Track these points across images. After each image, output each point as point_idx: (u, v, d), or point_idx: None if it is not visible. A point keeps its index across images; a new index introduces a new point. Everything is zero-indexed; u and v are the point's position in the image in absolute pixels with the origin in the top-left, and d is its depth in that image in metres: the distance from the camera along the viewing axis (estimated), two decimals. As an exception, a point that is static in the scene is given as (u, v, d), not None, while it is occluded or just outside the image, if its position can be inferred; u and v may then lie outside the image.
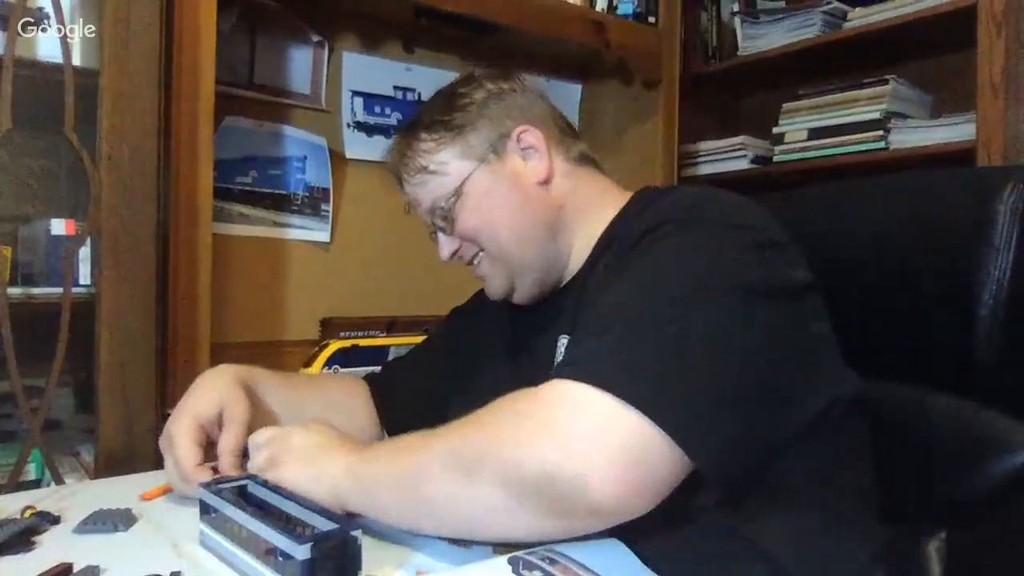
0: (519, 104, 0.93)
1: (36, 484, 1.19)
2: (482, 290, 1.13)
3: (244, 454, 0.85)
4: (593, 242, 0.90)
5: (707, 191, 0.79)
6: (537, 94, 0.97)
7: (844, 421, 0.73)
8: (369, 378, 1.12)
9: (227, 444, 0.86)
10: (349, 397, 1.07)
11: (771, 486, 0.69)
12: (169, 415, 1.26)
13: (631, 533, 0.66)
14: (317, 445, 0.76)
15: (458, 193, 0.90)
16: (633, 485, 0.59)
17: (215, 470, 0.84)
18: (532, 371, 0.67)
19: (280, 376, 1.02)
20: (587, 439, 0.59)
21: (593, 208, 0.92)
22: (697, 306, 0.65)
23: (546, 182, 0.91)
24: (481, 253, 0.93)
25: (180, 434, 0.85)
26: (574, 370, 0.62)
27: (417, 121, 0.94)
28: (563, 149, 0.94)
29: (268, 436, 0.80)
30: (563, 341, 0.86)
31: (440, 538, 0.70)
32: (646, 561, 0.65)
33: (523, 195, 0.90)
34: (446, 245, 0.95)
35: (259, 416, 0.93)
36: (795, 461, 0.69)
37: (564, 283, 0.94)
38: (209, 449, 0.87)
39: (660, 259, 0.71)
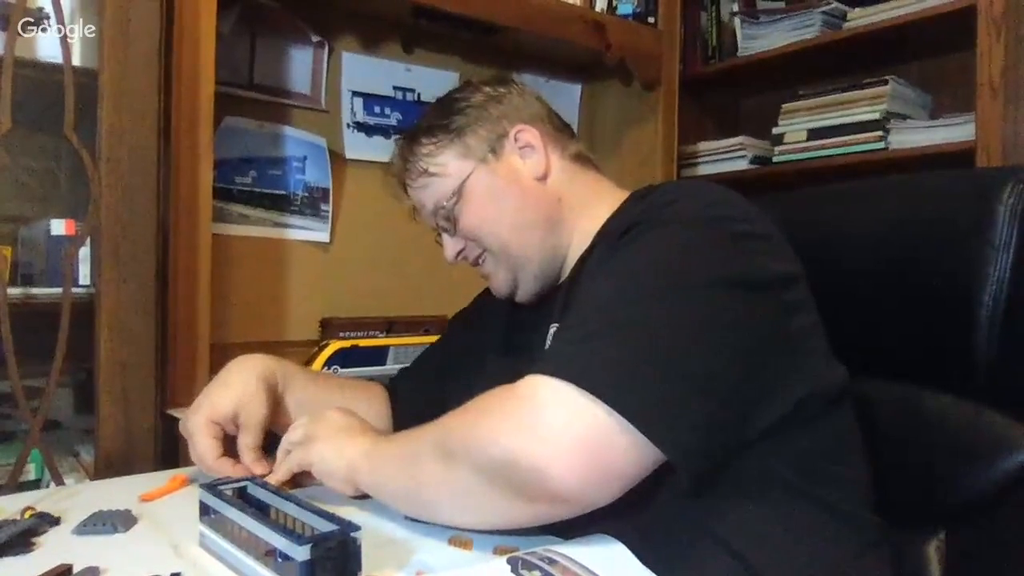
0: (516, 105, 0.97)
1: (36, 484, 1.19)
2: (481, 295, 1.15)
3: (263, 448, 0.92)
4: (589, 239, 0.91)
5: (689, 186, 0.81)
6: (534, 95, 1.00)
7: (828, 412, 0.73)
8: (386, 383, 1.15)
9: (245, 443, 0.90)
10: (370, 399, 1.10)
11: (749, 476, 0.69)
12: (169, 415, 1.27)
13: (604, 530, 0.68)
14: (347, 427, 0.83)
15: (459, 193, 0.93)
16: (593, 473, 0.62)
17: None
18: (527, 367, 0.68)
19: (309, 375, 1.07)
20: (549, 429, 0.62)
21: (590, 204, 0.94)
22: (665, 301, 0.67)
23: (544, 178, 0.94)
24: (485, 252, 0.95)
25: (198, 430, 0.90)
26: (545, 365, 0.65)
27: (417, 127, 0.98)
28: (559, 147, 0.96)
29: (306, 419, 0.87)
30: (554, 328, 0.88)
31: (441, 525, 0.73)
32: None
33: (522, 191, 0.93)
34: (450, 246, 0.98)
35: (277, 415, 0.96)
36: (776, 452, 0.70)
37: (561, 280, 0.96)
38: (229, 442, 0.92)
39: (632, 257, 0.73)
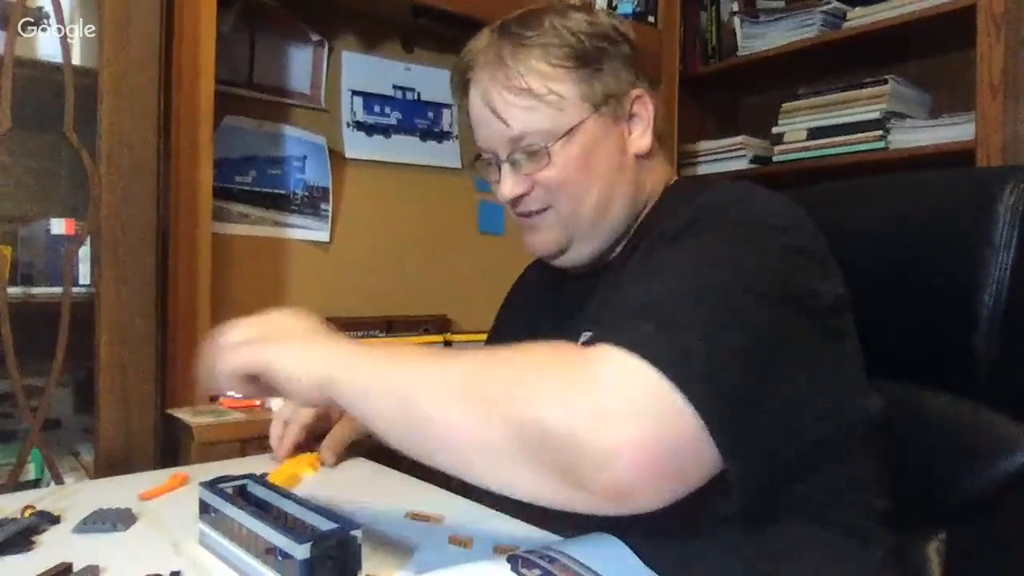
0: (634, 61, 0.85)
1: (35, 484, 1.19)
2: (505, 303, 1.09)
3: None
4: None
5: (748, 188, 0.75)
6: (638, 52, 0.87)
7: (865, 440, 0.71)
8: None
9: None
10: None
11: (787, 502, 0.68)
12: (169, 415, 1.27)
13: (638, 541, 0.66)
14: (312, 329, 0.68)
15: (569, 136, 0.80)
16: (661, 472, 0.54)
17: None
18: None
19: None
20: (628, 411, 0.54)
21: (656, 194, 0.86)
22: (749, 306, 0.61)
23: (644, 157, 0.85)
24: (549, 209, 0.83)
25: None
26: (622, 338, 0.57)
27: (524, 34, 0.82)
28: (656, 127, 0.86)
29: (248, 320, 0.71)
30: (585, 336, 0.80)
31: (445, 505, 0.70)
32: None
33: (622, 164, 0.83)
34: (513, 184, 0.83)
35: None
36: (803, 475, 0.68)
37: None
38: None
39: (706, 250, 0.67)
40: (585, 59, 0.80)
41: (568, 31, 0.80)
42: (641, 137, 0.84)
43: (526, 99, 0.79)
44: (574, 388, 0.55)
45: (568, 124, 0.80)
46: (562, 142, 0.80)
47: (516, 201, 0.84)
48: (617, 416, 0.53)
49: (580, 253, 0.85)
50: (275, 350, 0.65)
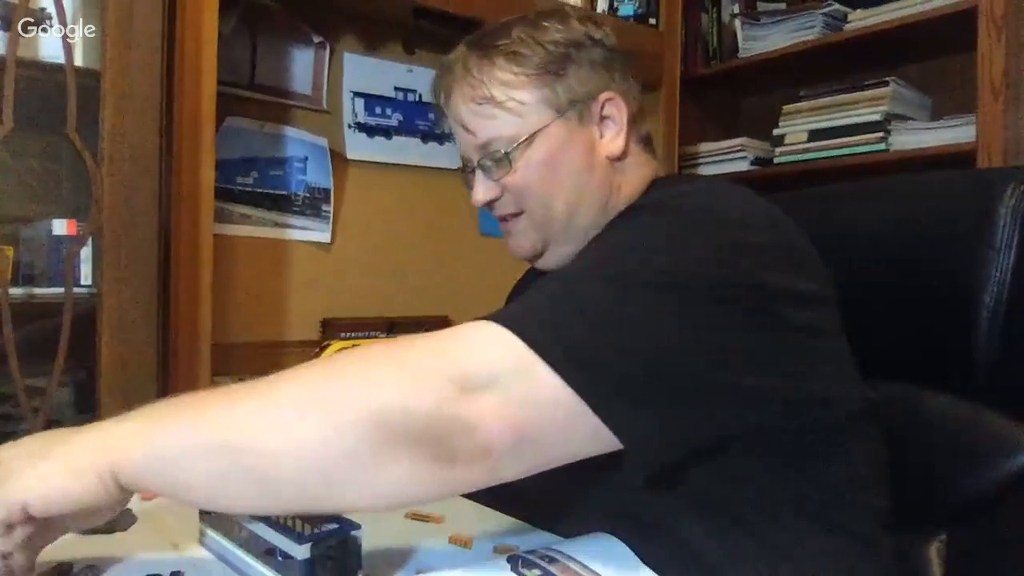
0: (608, 63, 0.85)
1: (37, 484, 1.19)
2: (507, 302, 1.10)
3: None
4: None
5: (711, 186, 0.75)
6: (621, 54, 0.88)
7: (854, 438, 0.71)
8: None
9: None
10: None
11: (787, 502, 0.68)
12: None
13: (637, 541, 0.66)
14: (45, 443, 0.59)
15: (529, 141, 0.80)
16: (524, 438, 0.57)
17: None
18: None
19: None
20: (489, 377, 0.56)
21: (635, 196, 0.86)
22: (642, 290, 0.62)
23: (616, 159, 0.84)
24: (522, 214, 0.84)
25: None
26: (497, 314, 0.60)
27: (492, 44, 0.82)
28: (636, 128, 0.86)
29: None
30: None
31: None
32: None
33: (590, 167, 0.83)
34: (484, 189, 0.84)
35: None
36: (814, 477, 0.68)
37: None
38: None
39: (623, 237, 0.70)
40: (547, 66, 0.81)
41: (534, 40, 0.81)
42: (613, 140, 0.84)
43: (488, 108, 0.81)
44: (432, 363, 0.57)
45: (529, 130, 0.81)
46: (522, 148, 0.81)
47: (490, 205, 0.86)
48: (479, 382, 0.56)
49: (557, 255, 0.86)
50: (22, 483, 0.55)
